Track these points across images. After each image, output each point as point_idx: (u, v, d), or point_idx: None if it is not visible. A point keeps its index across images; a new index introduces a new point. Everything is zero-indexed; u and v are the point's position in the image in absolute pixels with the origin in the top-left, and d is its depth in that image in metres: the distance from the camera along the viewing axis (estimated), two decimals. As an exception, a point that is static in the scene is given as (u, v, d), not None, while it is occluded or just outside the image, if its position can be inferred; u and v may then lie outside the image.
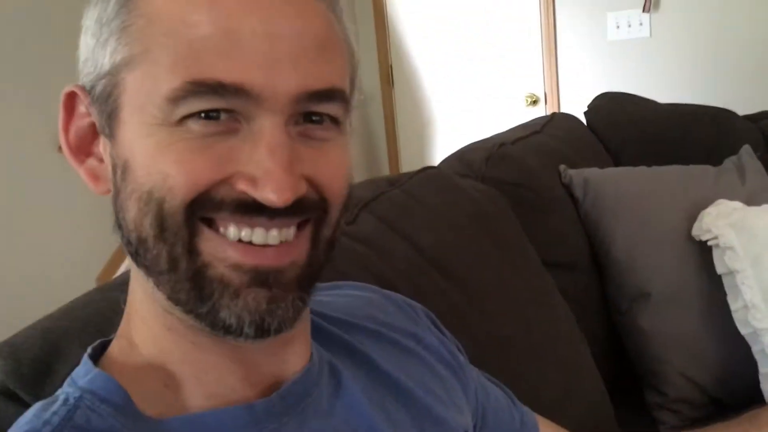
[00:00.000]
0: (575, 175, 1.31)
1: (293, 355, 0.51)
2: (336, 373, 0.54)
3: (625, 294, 1.24)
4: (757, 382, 1.11)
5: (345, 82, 0.46)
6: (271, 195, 0.41)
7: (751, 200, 1.26)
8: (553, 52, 2.84)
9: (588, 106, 1.69)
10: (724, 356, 1.17)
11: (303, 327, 0.52)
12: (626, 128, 1.59)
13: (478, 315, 0.85)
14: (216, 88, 0.40)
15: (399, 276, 0.81)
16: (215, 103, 0.41)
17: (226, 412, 0.46)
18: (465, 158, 1.27)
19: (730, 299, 1.15)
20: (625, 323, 1.24)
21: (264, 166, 0.41)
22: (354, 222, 0.88)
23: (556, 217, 1.26)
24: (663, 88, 2.47)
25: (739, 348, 1.13)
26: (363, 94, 3.29)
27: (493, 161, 1.25)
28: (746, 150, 1.41)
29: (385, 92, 3.28)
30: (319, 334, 0.56)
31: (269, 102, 0.41)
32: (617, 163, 1.52)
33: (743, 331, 1.13)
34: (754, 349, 1.12)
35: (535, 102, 2.95)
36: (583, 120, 1.66)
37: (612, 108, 1.67)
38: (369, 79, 3.23)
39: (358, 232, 0.86)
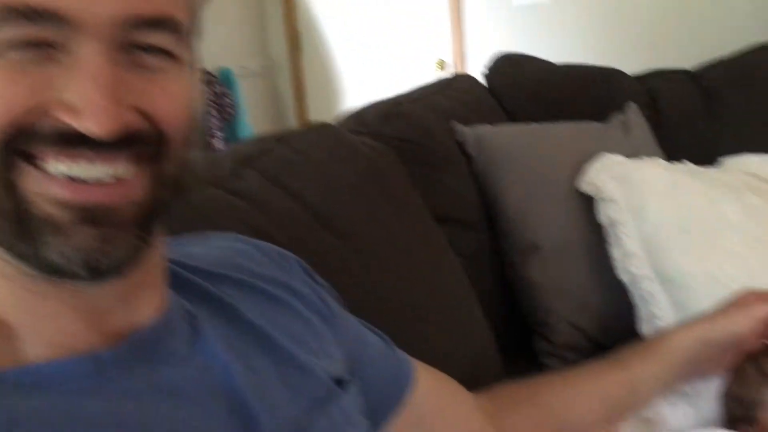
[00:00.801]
0: (468, 133, 1.32)
1: (145, 303, 0.49)
2: (193, 321, 0.53)
3: (517, 248, 1.27)
4: (637, 326, 1.16)
5: (181, 11, 0.44)
6: (92, 125, 0.39)
7: (634, 155, 1.31)
8: (460, 18, 2.87)
9: (486, 67, 1.72)
10: (608, 303, 1.22)
11: (155, 273, 0.51)
12: (522, 88, 1.62)
13: (366, 270, 0.85)
14: (27, 13, 0.38)
15: (280, 231, 0.80)
16: (28, 30, 0.39)
17: (69, 362, 0.45)
18: (360, 116, 1.27)
19: (612, 248, 1.20)
20: (517, 276, 1.28)
21: (84, 93, 0.39)
22: (236, 178, 0.87)
23: (449, 174, 1.28)
24: (566, 52, 2.53)
25: (620, 295, 1.18)
26: (271, 62, 3.23)
27: (388, 119, 1.25)
28: (631, 107, 1.47)
29: (294, 60, 3.23)
30: (177, 282, 0.55)
31: (88, 27, 0.39)
32: (513, 122, 1.55)
33: (624, 278, 1.18)
34: (634, 295, 1.18)
35: (444, 67, 2.97)
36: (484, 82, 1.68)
37: (509, 69, 1.70)
38: (277, 47, 3.17)
39: (239, 188, 0.85)
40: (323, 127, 1.04)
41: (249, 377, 0.53)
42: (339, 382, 0.60)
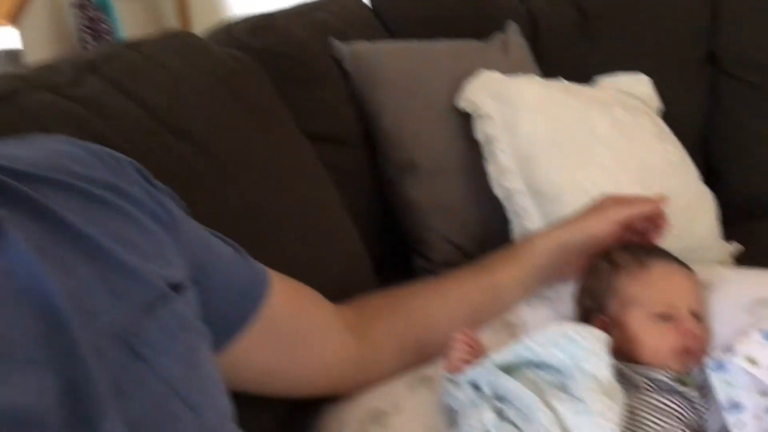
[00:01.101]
0: (346, 49, 1.28)
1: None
2: (-4, 225, 0.47)
3: (395, 166, 1.26)
4: (511, 241, 1.18)
5: None
6: None
7: (513, 73, 1.31)
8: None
9: (369, -15, 1.66)
10: (485, 220, 1.23)
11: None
12: (404, 5, 1.58)
13: (221, 180, 0.80)
14: None
15: (123, 137, 0.74)
16: None
17: None
18: (229, 29, 1.20)
19: (487, 165, 1.20)
20: (395, 194, 1.27)
21: None
22: (75, 84, 0.79)
23: (325, 90, 1.23)
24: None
25: (497, 211, 1.19)
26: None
27: (258, 31, 1.18)
28: (511, 26, 1.46)
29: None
30: None
31: None
32: (393, 39, 1.51)
33: (499, 193, 1.19)
34: (508, 210, 1.19)
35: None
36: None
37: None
38: (157, -34, 2.97)
39: (78, 93, 0.77)
40: (180, 35, 0.97)
41: (63, 282, 0.48)
42: (176, 288, 0.56)
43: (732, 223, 1.31)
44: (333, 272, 0.91)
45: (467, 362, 0.74)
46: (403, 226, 1.28)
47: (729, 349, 0.72)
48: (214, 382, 0.51)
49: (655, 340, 0.77)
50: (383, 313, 0.81)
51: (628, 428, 0.70)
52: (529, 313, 0.88)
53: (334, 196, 1.01)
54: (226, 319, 0.66)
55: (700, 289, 0.82)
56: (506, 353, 0.74)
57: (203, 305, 0.62)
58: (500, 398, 0.71)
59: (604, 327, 0.79)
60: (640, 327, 0.78)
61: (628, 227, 0.89)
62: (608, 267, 0.84)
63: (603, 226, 0.86)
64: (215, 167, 0.79)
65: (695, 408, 0.75)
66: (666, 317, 0.78)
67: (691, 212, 1.23)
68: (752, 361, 0.70)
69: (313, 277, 0.84)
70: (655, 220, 0.88)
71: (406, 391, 0.77)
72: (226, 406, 0.51)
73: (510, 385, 0.69)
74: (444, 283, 0.85)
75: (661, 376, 0.76)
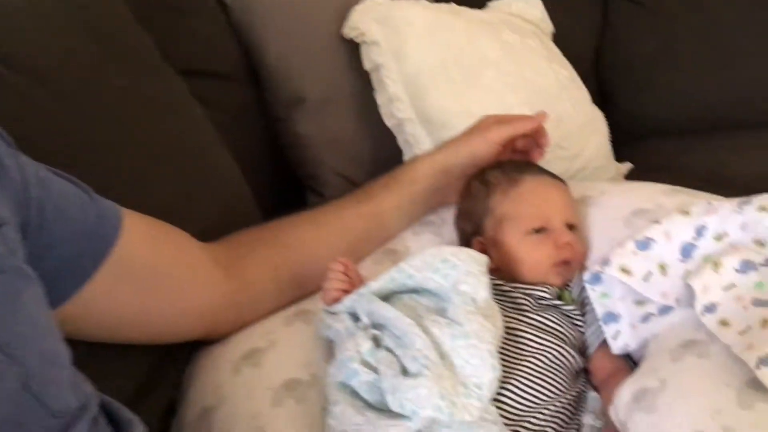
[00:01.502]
0: (221, -23, 1.20)
1: None
2: None
3: (282, 101, 1.20)
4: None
5: None
6: None
7: (399, -3, 1.26)
8: None
9: None
10: (377, 152, 1.20)
11: None
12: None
13: (65, 114, 0.73)
14: None
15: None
16: None
17: None
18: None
19: (377, 94, 1.16)
20: (284, 131, 1.21)
21: None
22: None
23: (201, 22, 1.15)
24: None
25: (387, 141, 1.16)
26: None
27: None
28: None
29: None
30: None
31: None
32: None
33: (389, 123, 1.15)
34: (399, 140, 1.16)
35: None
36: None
37: None
38: None
39: None
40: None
41: None
42: None
43: (623, 143, 1.32)
44: (211, 213, 0.86)
45: (344, 292, 0.72)
46: (294, 162, 1.23)
47: (604, 261, 0.72)
48: (39, 327, 0.46)
49: (532, 256, 0.76)
50: (257, 248, 0.76)
51: (508, 348, 0.69)
52: (413, 240, 0.85)
53: (209, 134, 0.95)
54: (73, 262, 0.60)
55: (574, 201, 0.81)
56: (384, 280, 0.71)
57: (45, 248, 0.57)
58: (378, 326, 0.68)
59: (483, 248, 0.77)
60: (516, 244, 0.77)
61: (510, 146, 0.88)
62: (481, 187, 0.82)
63: (484, 147, 0.84)
64: (57, 100, 0.72)
65: (575, 324, 0.75)
66: (541, 231, 0.77)
67: (583, 134, 1.23)
68: (626, 271, 0.70)
69: (188, 219, 0.79)
70: (536, 138, 0.87)
71: (282, 327, 0.73)
72: (55, 354, 0.47)
73: (387, 312, 0.67)
74: (322, 213, 0.82)
75: (541, 292, 0.75)
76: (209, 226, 0.82)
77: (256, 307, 0.75)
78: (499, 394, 0.65)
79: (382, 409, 0.61)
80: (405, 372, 0.63)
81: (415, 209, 0.86)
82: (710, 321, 0.63)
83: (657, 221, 0.72)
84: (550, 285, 0.76)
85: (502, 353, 0.67)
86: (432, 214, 0.89)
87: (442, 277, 0.70)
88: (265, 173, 1.24)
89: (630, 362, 0.73)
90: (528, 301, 0.75)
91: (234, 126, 1.15)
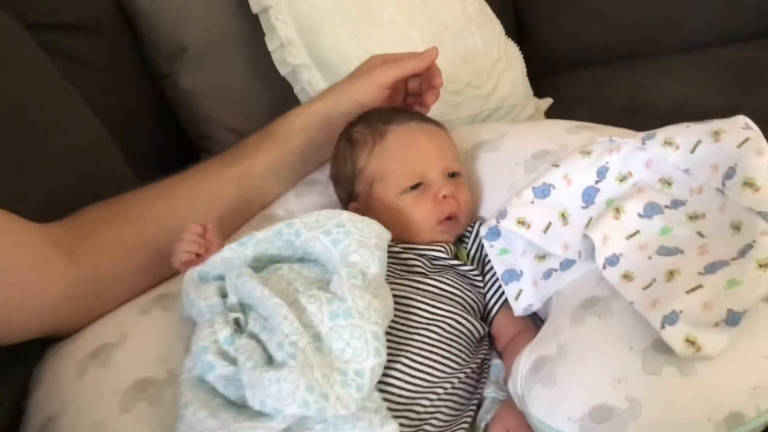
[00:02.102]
0: None
1: None
2: None
3: (162, 54, 1.08)
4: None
5: None
6: None
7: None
8: None
9: None
10: (271, 103, 1.09)
11: None
12: None
13: None
14: None
15: None
16: None
17: None
18: None
19: (267, 40, 1.04)
20: (169, 86, 1.10)
21: None
22: None
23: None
24: None
25: (282, 90, 1.05)
26: None
27: None
28: None
29: None
30: None
31: None
32: None
33: (283, 71, 1.05)
34: (296, 88, 1.05)
35: None
36: None
37: None
38: None
39: None
40: None
41: None
42: None
43: (543, 77, 1.24)
44: (60, 184, 0.75)
45: (197, 256, 0.62)
46: (183, 120, 1.12)
47: (501, 213, 0.64)
48: None
49: (411, 217, 0.67)
50: (106, 225, 0.66)
51: (398, 321, 0.61)
52: (296, 203, 0.76)
53: (61, 92, 0.83)
54: None
55: (453, 145, 0.72)
56: (271, 232, 0.62)
57: None
58: (245, 306, 0.59)
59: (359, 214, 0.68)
60: (391, 206, 0.67)
61: (401, 89, 0.78)
62: (346, 146, 0.72)
63: (369, 91, 0.74)
64: None
65: (474, 285, 0.67)
66: (418, 187, 0.68)
67: (496, 70, 1.14)
68: (524, 223, 0.62)
69: (29, 190, 0.69)
70: (428, 78, 0.77)
71: (136, 316, 0.63)
72: None
73: (253, 289, 0.58)
74: (184, 180, 0.71)
75: (435, 252, 0.67)
76: (57, 199, 0.71)
77: (110, 295, 0.65)
78: (385, 375, 0.57)
79: (244, 408, 0.52)
80: (271, 361, 0.54)
81: (294, 169, 0.76)
82: (612, 275, 0.55)
83: (556, 164, 0.64)
84: (443, 243, 0.67)
85: (390, 329, 0.58)
86: (318, 172, 0.79)
87: (331, 242, 0.61)
88: (159, 137, 1.13)
89: (539, 322, 0.66)
90: (421, 262, 0.66)
91: (109, 84, 1.03)
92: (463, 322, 0.63)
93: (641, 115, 1.14)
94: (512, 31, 1.25)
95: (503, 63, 1.16)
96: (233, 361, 0.54)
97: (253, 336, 0.56)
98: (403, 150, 0.69)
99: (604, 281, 0.56)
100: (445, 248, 0.67)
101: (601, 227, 0.57)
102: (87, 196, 0.72)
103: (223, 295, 0.61)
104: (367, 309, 0.56)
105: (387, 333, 0.57)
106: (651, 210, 0.57)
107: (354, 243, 0.60)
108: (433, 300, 0.63)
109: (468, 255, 0.69)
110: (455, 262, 0.67)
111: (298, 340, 0.54)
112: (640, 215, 0.57)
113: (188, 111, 1.10)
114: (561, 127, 0.72)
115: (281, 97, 1.06)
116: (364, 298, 0.56)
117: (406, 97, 0.80)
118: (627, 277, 0.54)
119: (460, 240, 0.71)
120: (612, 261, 0.56)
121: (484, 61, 1.13)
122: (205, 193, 0.70)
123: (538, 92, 1.23)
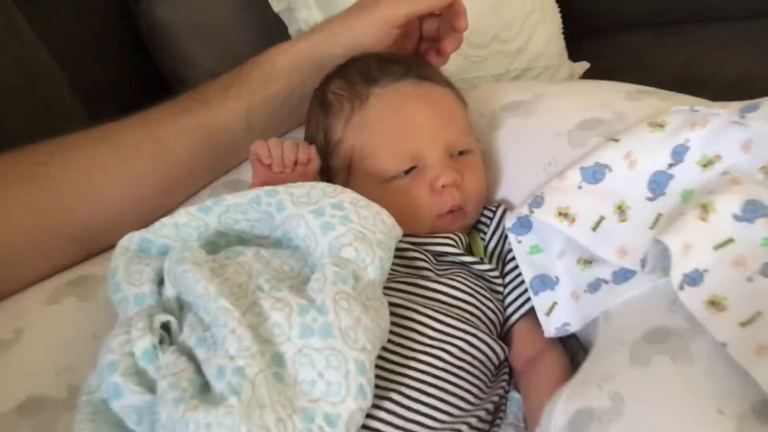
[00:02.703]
0: None
1: None
2: None
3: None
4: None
5: None
6: None
7: None
8: None
9: None
10: (258, 43, 0.89)
11: None
12: None
13: None
14: None
15: None
16: None
17: None
18: None
19: (259, -32, 0.88)
20: (142, 18, 0.93)
21: None
22: None
23: None
24: None
25: (274, 29, 0.90)
26: None
27: None
28: None
29: None
30: None
31: None
32: None
33: (277, 7, 0.90)
34: (291, 29, 0.91)
35: None
36: None
37: None
38: None
39: None
40: None
41: None
42: None
43: (579, 39, 1.07)
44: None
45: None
46: (159, 60, 0.96)
47: (536, 199, 0.48)
48: None
49: (404, 210, 0.49)
50: (13, 186, 0.50)
51: (392, 341, 0.44)
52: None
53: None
54: None
55: (462, 112, 0.55)
56: (247, 197, 0.47)
57: None
58: (185, 304, 0.44)
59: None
60: (377, 195, 0.48)
61: (414, 32, 0.61)
62: (319, 110, 0.56)
63: (371, 31, 0.58)
64: None
65: (493, 290, 0.50)
66: (411, 171, 0.52)
67: (529, 23, 0.98)
68: (567, 216, 0.46)
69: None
70: (450, 19, 0.60)
71: (39, 306, 0.47)
72: None
73: (195, 284, 0.42)
74: (121, 131, 0.55)
75: (444, 246, 0.51)
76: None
77: (14, 276, 0.49)
78: (368, 416, 0.41)
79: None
80: (206, 391, 0.38)
81: (272, 121, 0.60)
82: (693, 299, 0.39)
83: (614, 138, 0.48)
84: (451, 233, 0.51)
85: (381, 352, 0.43)
86: (296, 124, 0.62)
87: (321, 226, 0.45)
88: (125, 74, 0.97)
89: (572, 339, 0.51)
90: (426, 258, 0.50)
91: (79, 21, 0.88)
92: (478, 344, 0.47)
93: (695, 88, 0.99)
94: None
95: (537, 15, 0.99)
96: (151, 388, 0.38)
97: (186, 351, 0.40)
98: (390, 122, 0.52)
99: (680, 306, 0.40)
100: (454, 240, 0.51)
101: (681, 230, 0.41)
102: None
103: (161, 282, 0.46)
104: (353, 328, 0.40)
105: (376, 359, 0.41)
106: (752, 211, 0.41)
107: (351, 234, 0.44)
108: (438, 312, 0.47)
109: (485, 249, 0.53)
110: (469, 258, 0.51)
111: (247, 366, 0.38)
112: (736, 217, 0.41)
113: (163, 48, 0.94)
114: (619, 90, 0.56)
115: (273, 37, 0.89)
116: (353, 312, 0.40)
117: (420, 42, 0.63)
118: (716, 304, 0.38)
119: (475, 228, 0.54)
120: (693, 279, 0.40)
121: (516, 11, 0.97)
122: (148, 150, 0.54)
123: (573, 56, 1.06)
